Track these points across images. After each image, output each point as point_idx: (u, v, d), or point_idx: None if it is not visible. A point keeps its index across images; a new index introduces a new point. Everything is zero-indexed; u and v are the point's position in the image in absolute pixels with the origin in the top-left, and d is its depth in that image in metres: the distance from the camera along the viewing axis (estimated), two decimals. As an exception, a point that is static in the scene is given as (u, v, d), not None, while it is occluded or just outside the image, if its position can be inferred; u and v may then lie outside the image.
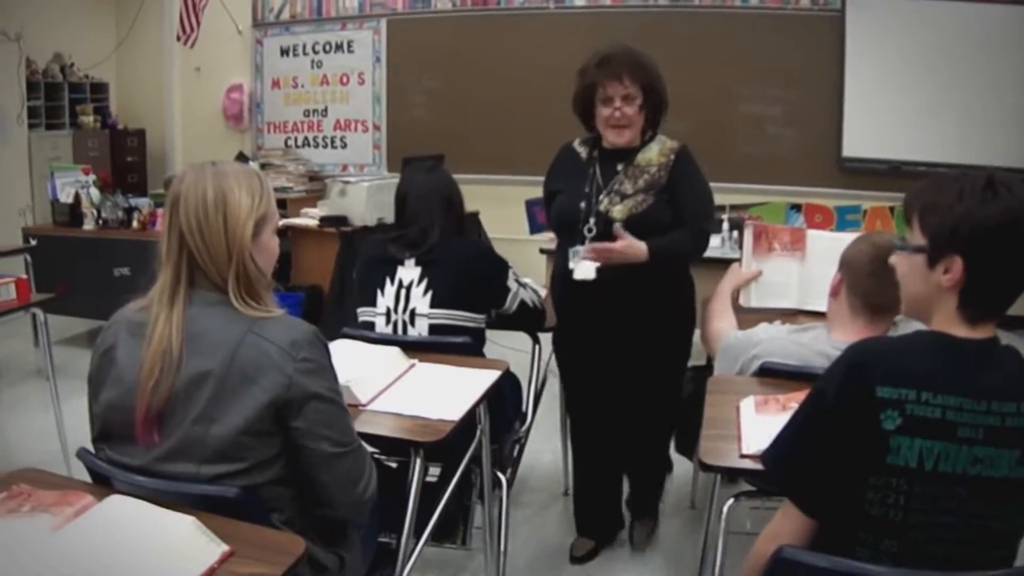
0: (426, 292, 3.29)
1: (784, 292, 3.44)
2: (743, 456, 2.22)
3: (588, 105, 3.48)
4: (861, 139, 7.74)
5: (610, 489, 3.86)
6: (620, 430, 3.71)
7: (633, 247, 3.32)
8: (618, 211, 3.39)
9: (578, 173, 3.53)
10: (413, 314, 3.29)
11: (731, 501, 2.57)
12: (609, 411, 3.68)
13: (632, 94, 3.38)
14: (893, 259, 1.90)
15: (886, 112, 7.62)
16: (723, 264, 3.58)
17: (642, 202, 3.39)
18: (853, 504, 1.73)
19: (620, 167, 3.47)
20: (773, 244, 3.47)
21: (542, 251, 5.52)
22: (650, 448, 3.83)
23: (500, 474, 3.38)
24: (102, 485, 2.02)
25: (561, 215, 3.56)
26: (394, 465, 3.03)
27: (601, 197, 3.44)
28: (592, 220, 3.42)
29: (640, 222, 3.36)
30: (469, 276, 3.34)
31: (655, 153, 3.48)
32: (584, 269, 3.34)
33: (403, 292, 3.32)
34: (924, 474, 1.66)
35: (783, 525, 1.85)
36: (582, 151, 3.60)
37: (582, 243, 3.40)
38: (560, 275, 3.54)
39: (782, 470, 1.88)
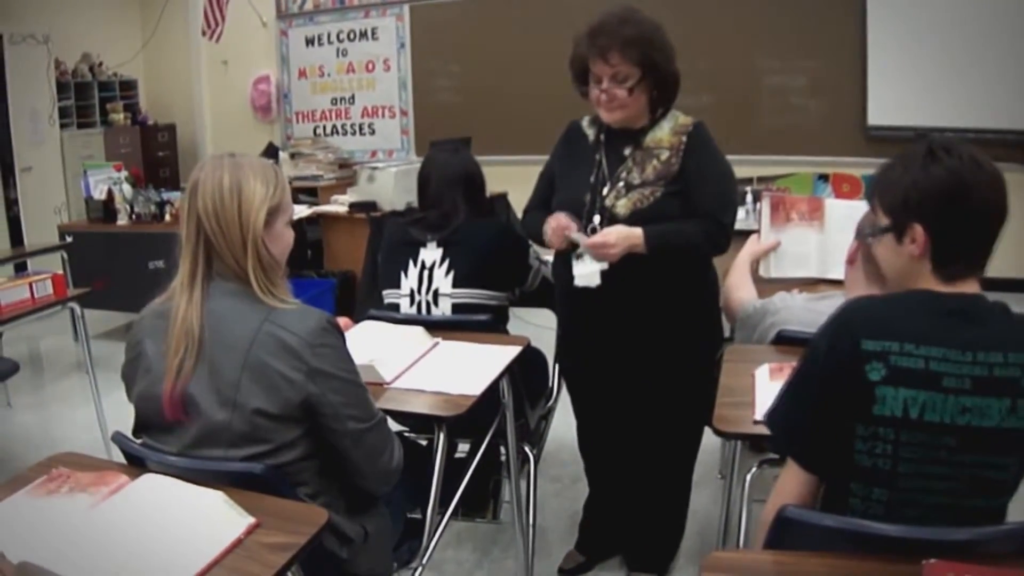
0: (448, 272, 3.32)
1: (803, 262, 3.45)
2: (756, 422, 2.26)
3: (581, 80, 3.09)
4: (886, 107, 7.69)
5: (617, 516, 3.53)
6: (634, 458, 3.39)
7: (627, 234, 2.94)
8: (622, 205, 3.01)
9: (584, 159, 3.15)
10: (436, 294, 3.34)
11: (754, 469, 2.61)
12: (621, 436, 3.38)
13: (623, 73, 2.95)
14: (874, 250, 1.97)
15: (911, 79, 7.57)
16: (745, 235, 3.54)
17: (649, 195, 3.00)
18: (844, 455, 1.79)
19: (628, 151, 3.07)
20: (791, 214, 3.47)
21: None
22: (667, 483, 3.43)
23: (527, 449, 3.44)
24: (136, 466, 2.10)
25: (564, 211, 3.07)
26: (424, 443, 3.10)
27: (605, 190, 3.05)
28: (597, 219, 3.04)
29: (645, 218, 2.98)
30: (490, 255, 3.38)
31: (666, 133, 3.06)
32: (586, 275, 3.02)
33: (426, 273, 3.36)
34: (910, 423, 1.71)
35: (787, 483, 1.93)
36: (590, 132, 3.20)
37: None
38: (561, 282, 3.21)
39: (780, 427, 1.95)
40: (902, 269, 1.88)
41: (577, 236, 2.97)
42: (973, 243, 1.80)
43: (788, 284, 3.22)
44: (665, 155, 3.04)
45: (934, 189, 1.77)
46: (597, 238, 2.94)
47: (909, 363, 1.71)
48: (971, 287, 1.82)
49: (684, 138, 3.05)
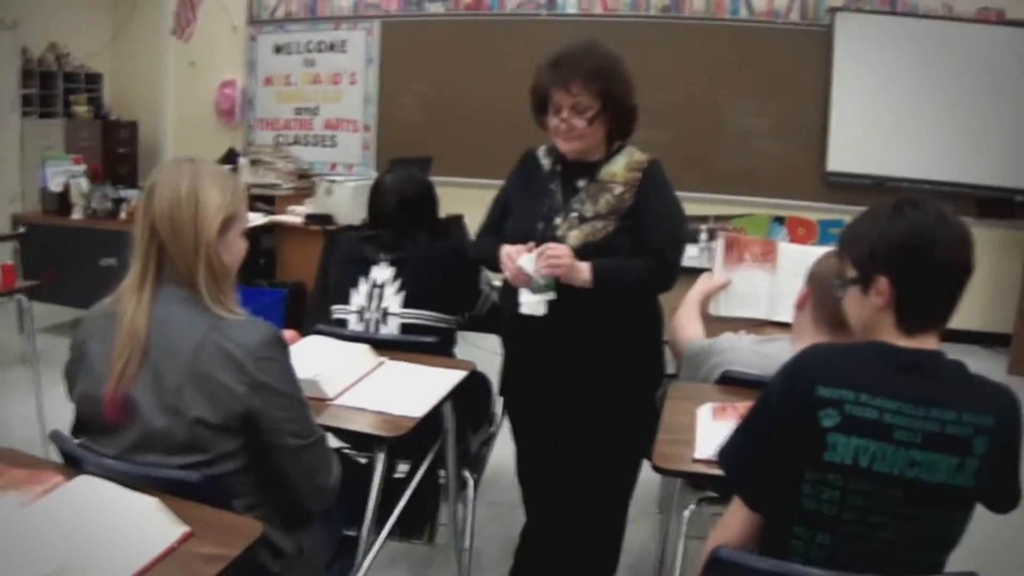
0: (398, 292, 3.33)
1: (753, 302, 3.48)
2: (695, 461, 2.28)
3: (541, 109, 3.09)
4: (846, 154, 7.81)
5: (553, 546, 3.46)
6: (571, 489, 3.32)
7: (575, 262, 2.91)
8: (573, 237, 2.99)
9: (537, 188, 3.14)
10: (385, 313, 3.33)
11: (692, 506, 2.62)
12: (560, 466, 3.32)
13: (583, 104, 2.96)
14: (844, 303, 2.00)
15: (871, 127, 7.70)
16: (697, 273, 3.56)
17: (602, 228, 3.00)
18: (791, 498, 1.82)
19: (582, 183, 3.07)
20: (744, 255, 3.50)
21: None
22: (602, 515, 3.39)
23: (467, 473, 3.44)
24: (72, 467, 2.08)
25: (515, 239, 3.03)
26: (363, 461, 3.10)
27: (558, 220, 3.04)
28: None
29: (596, 251, 2.96)
30: (442, 278, 3.39)
31: (621, 168, 3.06)
32: (532, 303, 2.95)
33: (376, 291, 3.36)
34: (859, 472, 1.74)
35: (730, 521, 1.97)
36: (545, 162, 3.19)
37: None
38: (507, 310, 3.14)
39: (730, 466, 1.98)
40: (866, 320, 1.92)
41: (523, 260, 2.92)
42: (936, 297, 1.85)
43: (736, 324, 3.24)
44: (619, 190, 3.04)
45: (898, 242, 1.82)
46: (547, 246, 2.91)
47: (863, 413, 1.75)
48: (931, 342, 1.86)
49: (639, 174, 3.05)
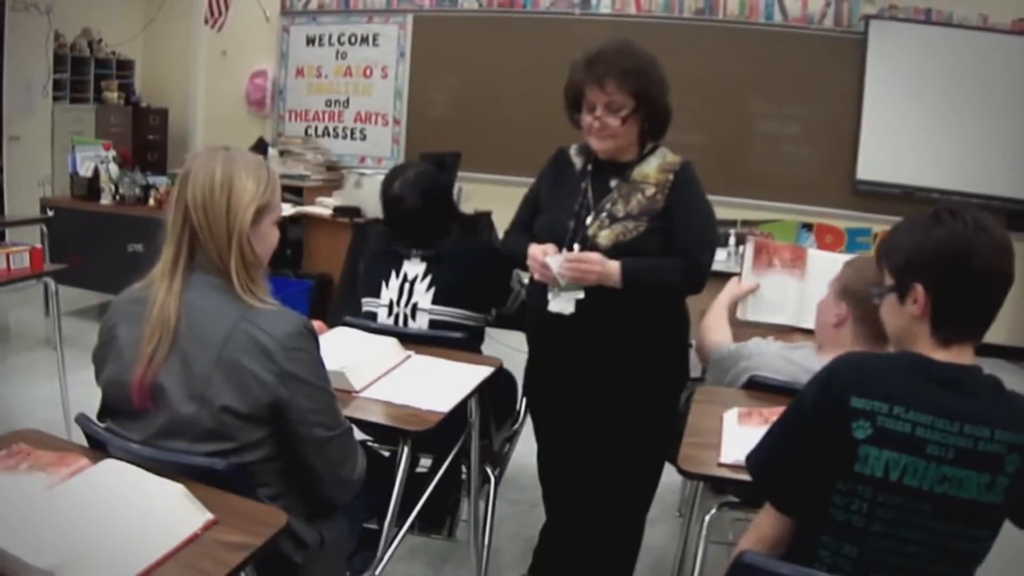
0: (429, 288, 3.33)
1: (781, 308, 3.46)
2: (720, 465, 2.26)
3: (575, 106, 3.07)
4: (876, 162, 7.76)
5: (571, 546, 3.43)
6: (592, 489, 3.29)
7: (605, 263, 2.89)
8: (604, 236, 2.97)
9: (569, 186, 3.12)
10: (415, 308, 3.33)
11: (714, 510, 2.61)
12: (581, 466, 3.28)
13: (617, 103, 2.93)
14: (880, 311, 1.98)
15: (902, 137, 7.66)
16: (726, 277, 3.54)
17: (633, 228, 2.97)
18: (820, 508, 1.80)
19: (614, 183, 3.05)
20: (773, 260, 3.48)
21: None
22: (622, 517, 3.36)
23: (489, 469, 3.43)
24: (98, 450, 2.09)
25: (545, 236, 3.03)
26: (387, 454, 3.09)
27: (589, 220, 3.02)
28: (576, 247, 2.94)
29: (626, 251, 2.94)
30: (472, 275, 3.39)
31: (653, 169, 3.04)
32: (561, 301, 2.94)
33: (407, 286, 3.36)
34: (889, 485, 1.72)
35: (763, 523, 1.95)
36: (577, 161, 3.17)
37: None
38: (534, 307, 3.17)
39: (759, 469, 1.97)
40: (902, 329, 1.90)
41: (552, 259, 2.90)
42: (973, 307, 1.82)
43: (763, 329, 3.23)
44: (651, 191, 3.01)
45: (935, 250, 1.80)
46: (577, 254, 2.90)
47: (896, 426, 1.73)
48: (967, 354, 1.84)
49: (671, 176, 3.02)
